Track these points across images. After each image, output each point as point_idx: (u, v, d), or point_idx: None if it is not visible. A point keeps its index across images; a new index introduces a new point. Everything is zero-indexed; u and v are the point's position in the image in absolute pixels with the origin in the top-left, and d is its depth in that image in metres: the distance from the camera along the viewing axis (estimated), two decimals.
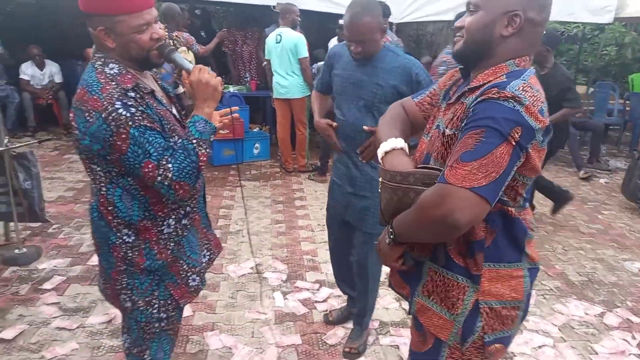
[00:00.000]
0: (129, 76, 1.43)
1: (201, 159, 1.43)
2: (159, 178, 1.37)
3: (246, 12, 6.46)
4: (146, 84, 1.50)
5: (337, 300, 2.94)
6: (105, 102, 1.33)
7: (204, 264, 1.72)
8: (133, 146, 1.35)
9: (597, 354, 2.59)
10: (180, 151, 1.41)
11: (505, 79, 1.12)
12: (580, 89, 7.87)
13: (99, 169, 1.45)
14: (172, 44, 1.59)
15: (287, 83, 5.10)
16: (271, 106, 5.87)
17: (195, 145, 1.42)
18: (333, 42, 6.01)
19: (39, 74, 6.70)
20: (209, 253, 1.78)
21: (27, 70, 6.65)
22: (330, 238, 2.59)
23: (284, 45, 5.00)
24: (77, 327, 2.57)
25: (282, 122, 5.32)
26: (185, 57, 1.57)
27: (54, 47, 6.79)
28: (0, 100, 6.33)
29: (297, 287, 3.11)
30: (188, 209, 1.60)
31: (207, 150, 1.45)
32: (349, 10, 2.05)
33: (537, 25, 1.15)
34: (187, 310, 2.74)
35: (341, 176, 2.31)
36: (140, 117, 1.36)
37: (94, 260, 3.30)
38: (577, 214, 4.62)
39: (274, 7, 5.30)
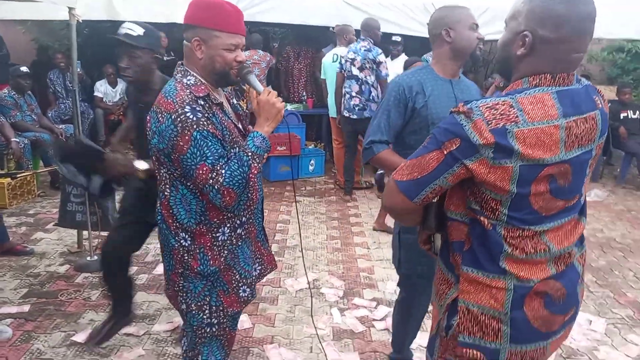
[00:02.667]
0: (203, 87, 1.56)
1: (252, 171, 1.51)
2: (210, 181, 1.46)
3: (304, 33, 6.62)
4: (217, 97, 1.61)
5: None
6: (176, 106, 1.47)
7: (254, 277, 1.77)
8: (193, 148, 1.45)
9: None
10: (235, 160, 1.50)
11: (498, 95, 1.17)
12: None
13: (164, 170, 1.57)
14: (250, 67, 1.71)
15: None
16: (326, 123, 5.95)
17: (250, 157, 1.51)
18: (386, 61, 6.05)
19: (111, 91, 7.14)
20: (260, 267, 1.83)
21: (101, 88, 7.10)
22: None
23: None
24: (144, 334, 2.68)
25: (338, 140, 5.37)
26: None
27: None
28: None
29: (355, 304, 3.10)
30: (244, 219, 1.67)
31: (259, 165, 1.53)
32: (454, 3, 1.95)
33: (553, 42, 1.15)
34: (247, 323, 2.79)
35: None
36: (204, 123, 1.47)
37: (159, 269, 3.44)
38: None
39: (332, 28, 5.42)
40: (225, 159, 1.50)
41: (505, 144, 1.09)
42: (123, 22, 2.42)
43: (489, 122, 1.10)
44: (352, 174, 5.19)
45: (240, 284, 1.68)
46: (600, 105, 1.22)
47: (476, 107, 1.12)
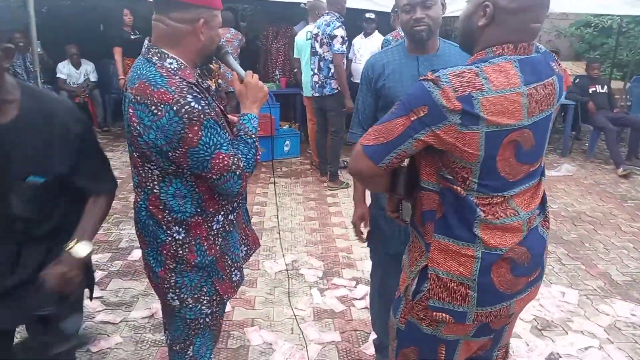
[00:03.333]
0: (188, 72, 1.42)
1: (257, 152, 1.50)
2: (233, 167, 1.41)
3: (274, 11, 6.48)
4: (203, 80, 1.54)
5: None
6: (176, 95, 1.31)
7: (241, 259, 1.73)
8: (205, 138, 1.35)
9: None
10: (242, 144, 1.48)
11: (463, 65, 1.21)
12: (617, 84, 7.66)
13: (153, 167, 1.44)
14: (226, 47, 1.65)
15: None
16: (301, 104, 5.88)
17: (254, 139, 1.50)
18: (359, 40, 5.98)
19: (74, 72, 6.87)
20: (245, 248, 1.78)
21: (64, 70, 6.82)
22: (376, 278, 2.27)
23: None
24: (121, 321, 2.63)
25: (313, 120, 5.31)
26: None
27: (88, 46, 6.94)
28: None
29: (334, 284, 3.10)
30: (235, 204, 1.61)
31: (259, 145, 1.52)
32: None
33: (513, 12, 1.19)
34: (227, 306, 2.76)
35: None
36: (207, 110, 1.38)
37: (134, 255, 3.37)
38: (617, 212, 4.49)
39: (303, 4, 5.30)
40: (236, 144, 1.48)
41: (471, 110, 1.14)
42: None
43: (456, 90, 1.14)
44: (325, 153, 5.11)
45: (232, 269, 1.64)
46: (557, 70, 1.28)
47: (444, 75, 1.16)
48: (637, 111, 6.78)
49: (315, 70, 4.80)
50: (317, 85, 4.82)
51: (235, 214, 1.63)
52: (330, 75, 4.72)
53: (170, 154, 1.36)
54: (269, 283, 3.08)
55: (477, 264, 1.25)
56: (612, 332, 2.69)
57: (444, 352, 1.37)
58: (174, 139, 1.32)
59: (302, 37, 5.14)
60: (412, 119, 1.18)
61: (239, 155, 1.44)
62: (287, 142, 5.93)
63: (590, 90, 6.19)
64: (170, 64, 1.39)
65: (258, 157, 1.51)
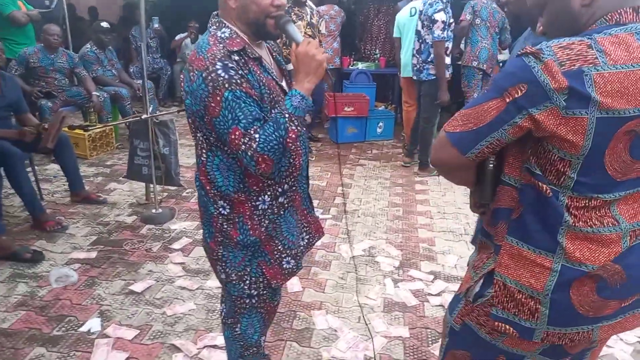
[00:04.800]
0: (238, 40, 1.42)
1: (290, 135, 1.35)
2: (243, 147, 1.33)
3: None
4: (255, 50, 1.47)
5: (451, 295, 2.72)
6: (207, 62, 1.34)
7: (301, 247, 1.67)
8: (224, 110, 1.32)
9: None
10: (271, 123, 1.35)
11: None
12: None
13: (200, 134, 1.47)
14: (292, 17, 1.55)
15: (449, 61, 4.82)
16: (399, 85, 5.66)
17: (287, 119, 1.35)
18: None
19: (191, 44, 7.29)
20: (307, 236, 1.72)
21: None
22: None
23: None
24: (197, 289, 2.74)
25: (409, 102, 5.09)
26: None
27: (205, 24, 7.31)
28: (154, 72, 7.01)
29: (410, 276, 2.96)
30: (286, 186, 1.55)
31: (299, 127, 1.37)
32: None
33: None
34: (297, 286, 2.76)
35: None
36: (238, 81, 1.33)
37: None
38: None
39: None
40: (261, 122, 1.36)
41: (582, 89, 0.93)
42: None
43: (562, 64, 0.94)
44: (416, 136, 4.78)
45: (283, 255, 1.59)
46: None
47: (547, 47, 0.96)
48: None
49: (415, 52, 4.55)
50: (414, 68, 4.58)
51: (287, 197, 1.56)
52: (429, 59, 4.40)
53: (205, 119, 1.38)
54: (342, 267, 3.02)
55: (554, 277, 1.06)
56: None
57: None
58: (202, 105, 1.35)
59: (404, 13, 4.89)
60: (508, 100, 0.99)
61: (256, 135, 1.32)
62: (381, 123, 5.77)
63: None
64: (224, 33, 1.42)
65: (289, 140, 1.35)
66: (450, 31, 4.35)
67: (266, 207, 1.52)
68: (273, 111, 1.41)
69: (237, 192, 1.49)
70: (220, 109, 1.33)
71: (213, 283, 2.79)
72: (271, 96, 1.44)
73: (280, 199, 1.55)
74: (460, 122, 1.07)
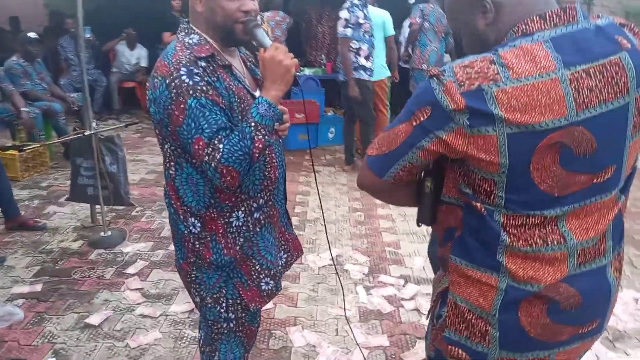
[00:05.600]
0: (207, 47, 1.34)
1: (256, 145, 1.25)
2: (207, 158, 1.24)
3: None
4: (225, 58, 1.37)
5: (425, 299, 2.72)
6: (171, 68, 1.26)
7: (280, 267, 1.58)
8: (188, 118, 1.24)
9: None
10: (236, 133, 1.26)
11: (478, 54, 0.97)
12: None
13: (167, 145, 1.37)
14: (258, 20, 1.44)
15: (369, 65, 4.84)
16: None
17: (252, 128, 1.25)
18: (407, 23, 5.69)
19: (128, 52, 6.94)
20: (286, 255, 1.64)
21: (118, 47, 6.92)
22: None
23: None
24: (160, 315, 2.55)
25: None
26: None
27: (144, 32, 6.98)
28: (88, 84, 6.59)
29: (381, 281, 2.92)
30: (262, 201, 1.45)
31: (266, 137, 1.27)
32: None
33: None
34: (268, 304, 2.63)
35: None
36: (203, 88, 1.24)
37: None
38: None
39: None
40: (227, 132, 1.26)
41: (482, 107, 0.89)
42: None
43: (462, 84, 0.90)
44: (349, 141, 4.89)
45: (261, 276, 1.48)
46: (629, 45, 0.94)
47: (449, 67, 0.94)
48: None
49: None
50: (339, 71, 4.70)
51: (263, 212, 1.46)
52: (355, 61, 4.48)
53: (169, 128, 1.29)
54: (312, 279, 2.93)
55: (500, 296, 0.99)
56: None
57: None
58: (165, 114, 1.28)
59: None
60: (414, 124, 0.96)
61: (220, 145, 1.23)
62: (332, 128, 5.74)
63: None
64: (192, 39, 1.34)
65: (255, 151, 1.25)
66: (364, 33, 4.36)
67: (240, 223, 1.43)
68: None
69: (209, 208, 1.39)
70: (183, 118, 1.25)
71: (178, 307, 2.61)
72: (241, 105, 1.35)
73: (256, 215, 1.45)
74: (377, 145, 1.06)
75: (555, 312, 0.99)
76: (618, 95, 0.92)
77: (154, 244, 3.32)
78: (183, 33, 1.37)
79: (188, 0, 1.38)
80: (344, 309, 2.49)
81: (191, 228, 1.41)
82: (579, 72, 0.89)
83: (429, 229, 1.99)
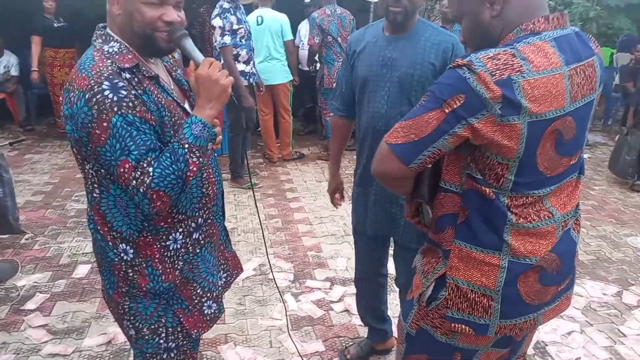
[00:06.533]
0: (130, 56, 1.21)
1: (190, 167, 1.17)
2: (134, 182, 1.13)
3: None
4: (150, 68, 1.26)
5: (352, 298, 2.75)
6: (91, 81, 1.12)
7: (220, 288, 1.49)
8: (112, 138, 1.12)
9: (625, 335, 2.53)
10: (168, 154, 1.16)
11: (495, 47, 1.07)
12: None
13: (88, 166, 1.23)
14: (184, 30, 1.32)
15: (270, 68, 4.80)
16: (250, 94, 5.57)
17: (186, 150, 1.17)
18: (304, 25, 5.75)
19: None
20: (225, 275, 1.56)
21: None
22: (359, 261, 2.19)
23: (268, 27, 4.70)
24: (73, 352, 2.29)
25: (265, 111, 5.03)
26: None
27: (11, 37, 6.17)
28: None
29: (308, 287, 2.91)
30: (200, 220, 1.36)
31: (200, 159, 1.20)
32: None
33: None
34: None
35: (371, 185, 1.89)
36: (130, 104, 1.13)
37: (79, 272, 2.99)
38: None
39: None
40: (156, 153, 1.16)
41: (512, 97, 0.99)
42: None
43: (493, 74, 0.99)
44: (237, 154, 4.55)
45: (203, 299, 1.39)
46: (596, 51, 1.13)
47: (476, 58, 1.01)
48: None
49: None
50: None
51: (202, 232, 1.37)
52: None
53: (89, 147, 1.15)
54: (237, 292, 2.83)
55: (503, 274, 1.12)
56: (589, 314, 2.70)
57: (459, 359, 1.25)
58: (84, 132, 1.13)
59: (251, 21, 4.81)
60: (447, 111, 1.03)
61: (150, 168, 1.13)
62: None
63: None
64: (112, 47, 1.20)
65: (189, 174, 1.17)
66: (240, 38, 4.21)
67: (179, 246, 1.32)
68: (171, 140, 1.22)
69: (142, 232, 1.27)
70: (106, 137, 1.12)
71: (92, 341, 2.37)
72: (172, 119, 1.25)
73: (195, 235, 1.36)
74: (402, 133, 1.09)
75: (544, 277, 1.15)
76: (591, 91, 1.09)
77: (52, 274, 2.97)
78: (100, 40, 1.22)
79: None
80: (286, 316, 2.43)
81: (122, 255, 1.28)
82: (574, 69, 1.04)
83: (347, 229, 2.11)
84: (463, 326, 1.18)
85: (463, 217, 1.14)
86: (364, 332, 2.45)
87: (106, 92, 1.11)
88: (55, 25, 5.80)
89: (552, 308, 1.23)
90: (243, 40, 4.25)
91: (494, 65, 0.99)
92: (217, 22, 4.09)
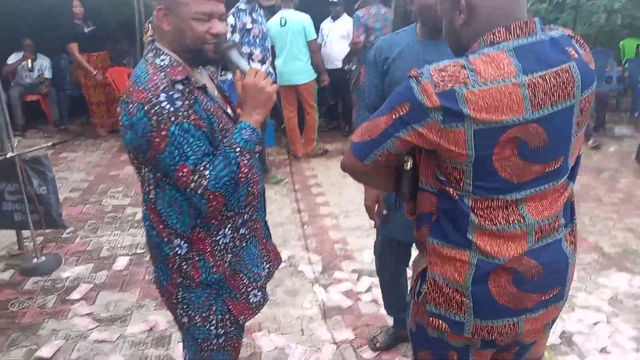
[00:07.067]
0: (180, 68, 1.31)
1: (242, 169, 1.28)
2: (193, 185, 1.25)
3: None
4: (198, 78, 1.38)
5: (379, 290, 2.84)
6: (149, 94, 1.23)
7: (263, 278, 1.60)
8: (170, 145, 1.23)
9: None
10: (221, 158, 1.27)
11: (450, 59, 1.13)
12: None
13: (146, 169, 1.35)
14: (231, 43, 1.47)
15: (294, 68, 4.92)
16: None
17: (238, 154, 1.28)
18: (327, 24, 5.83)
19: (27, 67, 6.38)
20: (268, 265, 1.66)
21: (16, 59, 6.33)
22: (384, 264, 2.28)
23: (291, 29, 4.81)
24: (118, 338, 2.44)
25: (289, 109, 5.15)
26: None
27: (44, 40, 6.44)
28: None
29: (336, 278, 3.01)
30: (246, 217, 1.47)
31: (250, 161, 1.31)
32: None
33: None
34: None
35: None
36: (185, 113, 1.24)
37: (119, 264, 3.16)
38: (595, 184, 4.60)
39: None
40: (210, 157, 1.27)
41: (453, 107, 1.03)
42: None
43: (437, 85, 1.05)
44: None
45: (249, 289, 1.50)
46: (577, 56, 1.11)
47: (427, 70, 1.08)
48: (598, 84, 6.96)
49: None
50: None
51: (247, 227, 1.48)
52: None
53: (149, 154, 1.27)
54: (269, 283, 2.93)
55: (472, 270, 1.14)
56: (615, 305, 2.73)
57: (455, 359, 1.26)
58: (144, 140, 1.25)
59: (274, 23, 4.93)
60: (394, 117, 1.11)
61: (207, 172, 1.25)
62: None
63: None
64: (163, 60, 1.31)
65: (241, 175, 1.28)
66: (254, 37, 4.39)
67: (227, 240, 1.43)
68: (222, 144, 1.33)
69: (195, 228, 1.38)
70: (165, 145, 1.23)
71: (135, 328, 2.51)
72: (220, 125, 1.36)
73: (242, 230, 1.47)
74: (359, 133, 1.20)
75: (520, 281, 1.14)
76: (566, 98, 1.08)
77: (94, 265, 3.14)
78: (151, 54, 1.32)
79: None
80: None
81: (177, 249, 1.39)
82: (536, 77, 1.05)
83: (372, 223, 2.17)
84: (440, 321, 1.20)
85: (436, 215, 1.19)
86: (392, 321, 2.54)
87: (163, 104, 1.21)
88: (86, 30, 6.01)
89: (536, 317, 1.20)
90: (257, 40, 4.41)
91: (439, 77, 1.05)
92: (229, 20, 4.30)
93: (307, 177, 4.86)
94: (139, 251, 3.33)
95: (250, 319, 1.56)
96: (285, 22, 4.81)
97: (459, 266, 1.15)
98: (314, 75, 5.08)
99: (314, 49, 5.04)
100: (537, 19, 1.10)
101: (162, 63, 1.30)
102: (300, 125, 5.28)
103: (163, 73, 1.27)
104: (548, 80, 1.05)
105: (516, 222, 1.12)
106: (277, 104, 5.26)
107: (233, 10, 4.34)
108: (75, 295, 2.80)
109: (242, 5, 4.35)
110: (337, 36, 5.73)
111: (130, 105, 1.25)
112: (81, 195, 4.38)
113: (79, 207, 4.10)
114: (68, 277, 3.00)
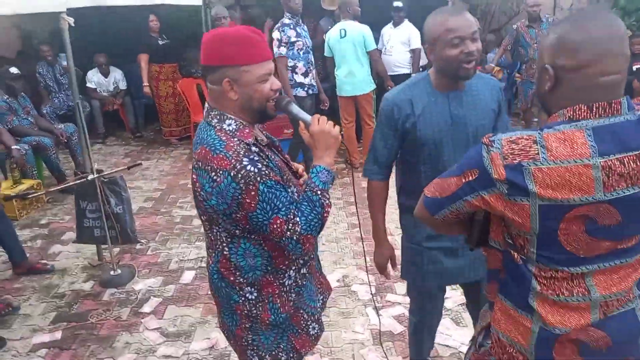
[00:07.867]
0: (247, 131, 1.43)
1: (326, 209, 1.41)
2: (288, 233, 1.36)
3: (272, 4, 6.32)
4: (262, 137, 1.50)
5: None
6: (233, 160, 1.33)
7: (319, 310, 1.70)
8: (262, 203, 1.34)
9: None
10: (306, 204, 1.40)
11: (524, 130, 1.14)
12: None
13: (221, 229, 1.46)
14: (287, 97, 1.59)
15: (354, 79, 4.97)
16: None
17: (320, 196, 1.41)
18: (388, 30, 5.81)
19: (104, 81, 6.90)
20: (321, 297, 1.75)
21: (93, 78, 6.86)
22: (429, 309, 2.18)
23: (351, 39, 4.86)
24: (183, 354, 2.64)
25: (348, 119, 5.21)
26: None
27: (116, 54, 6.93)
28: (70, 110, 6.56)
29: (389, 301, 3.06)
30: (307, 257, 1.58)
31: (329, 200, 1.43)
32: (446, 10, 1.73)
33: (574, 70, 1.07)
34: None
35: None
36: (266, 172, 1.36)
37: (185, 278, 3.39)
38: None
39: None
40: (296, 205, 1.39)
41: (519, 182, 1.06)
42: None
43: (506, 157, 1.08)
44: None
45: (309, 322, 1.62)
46: None
47: (498, 139, 1.11)
48: None
49: None
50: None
51: (307, 267, 1.60)
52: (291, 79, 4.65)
53: (233, 216, 1.38)
54: None
55: (534, 337, 1.16)
56: None
57: None
58: (233, 203, 1.35)
59: (334, 34, 4.99)
60: (464, 181, 1.17)
61: (297, 218, 1.36)
62: None
63: (634, 68, 5.88)
64: (229, 125, 1.42)
65: (326, 214, 1.42)
66: (298, 50, 4.58)
67: (292, 282, 1.55)
68: (293, 190, 1.46)
69: (265, 274, 1.50)
70: (256, 203, 1.34)
71: (198, 345, 2.71)
72: (286, 176, 1.48)
73: (303, 270, 1.58)
74: (432, 188, 1.27)
75: (587, 351, 1.14)
76: None
77: (164, 279, 3.40)
78: (216, 120, 1.42)
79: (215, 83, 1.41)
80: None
81: (247, 295, 1.50)
82: (612, 160, 1.04)
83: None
84: None
85: (504, 274, 1.23)
86: (443, 351, 2.57)
87: (248, 167, 1.33)
88: (160, 42, 6.38)
89: None
90: (301, 53, 4.59)
91: (510, 149, 1.08)
92: (275, 34, 4.54)
93: (363, 188, 4.87)
94: (203, 264, 3.54)
95: (310, 350, 1.68)
96: (345, 34, 4.85)
97: (522, 330, 1.18)
98: (373, 86, 5.10)
99: (375, 58, 5.07)
100: (626, 99, 1.09)
101: (229, 128, 1.41)
102: (357, 135, 5.33)
103: (235, 138, 1.38)
104: (627, 164, 1.04)
105: (580, 294, 1.12)
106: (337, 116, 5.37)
107: (278, 25, 4.56)
108: (146, 308, 3.06)
109: (286, 20, 4.56)
110: (398, 42, 5.72)
111: (214, 174, 1.33)
112: (153, 205, 4.70)
113: (152, 217, 4.42)
114: (140, 290, 3.27)
